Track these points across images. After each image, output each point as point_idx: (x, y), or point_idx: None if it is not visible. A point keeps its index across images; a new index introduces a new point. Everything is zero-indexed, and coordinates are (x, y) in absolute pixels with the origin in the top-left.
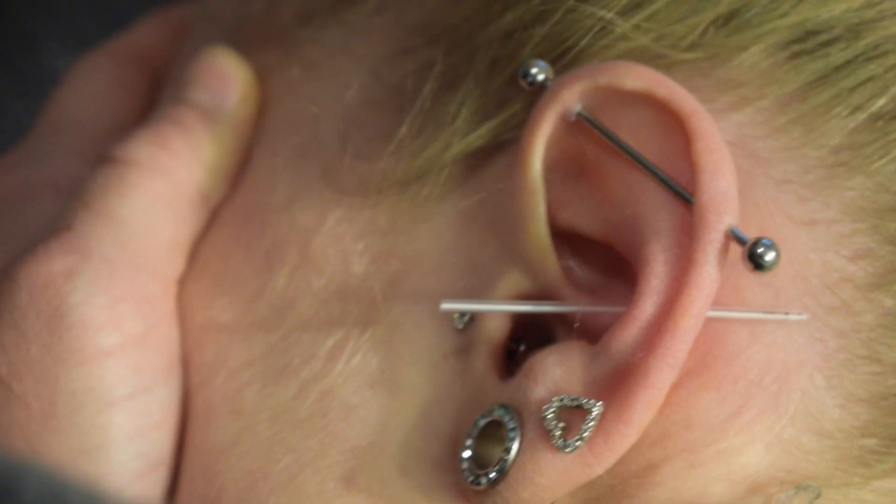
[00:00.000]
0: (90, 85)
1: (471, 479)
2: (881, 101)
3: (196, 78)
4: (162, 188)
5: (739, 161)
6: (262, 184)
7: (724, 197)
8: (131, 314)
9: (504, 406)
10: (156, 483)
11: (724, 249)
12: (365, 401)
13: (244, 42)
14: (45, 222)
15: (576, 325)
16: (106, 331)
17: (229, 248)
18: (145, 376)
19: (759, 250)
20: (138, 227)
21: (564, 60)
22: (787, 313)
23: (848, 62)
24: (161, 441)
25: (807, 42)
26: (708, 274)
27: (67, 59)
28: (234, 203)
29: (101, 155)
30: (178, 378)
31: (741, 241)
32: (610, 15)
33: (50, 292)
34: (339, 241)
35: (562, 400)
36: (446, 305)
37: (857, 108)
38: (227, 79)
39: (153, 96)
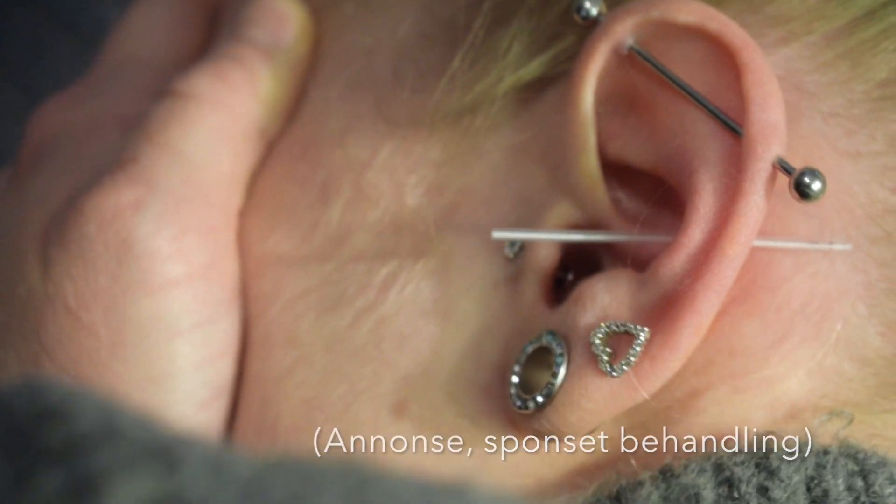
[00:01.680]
0: (151, 21)
1: (518, 403)
2: None
3: (254, 17)
4: (222, 121)
5: (787, 94)
6: (316, 117)
7: (773, 128)
8: (197, 246)
9: (552, 332)
10: (219, 411)
11: (772, 179)
12: (417, 330)
13: None
14: (110, 155)
15: (624, 255)
16: (173, 261)
17: (285, 182)
18: (210, 307)
19: (806, 179)
20: (200, 160)
21: None
22: (831, 243)
23: None
24: (224, 370)
25: None
26: (755, 203)
27: (122, 11)
28: (290, 137)
29: (162, 89)
30: (239, 309)
31: (788, 171)
32: None
33: (118, 224)
34: (392, 173)
35: (609, 326)
36: (498, 234)
37: None
38: (283, 18)
39: (212, 32)
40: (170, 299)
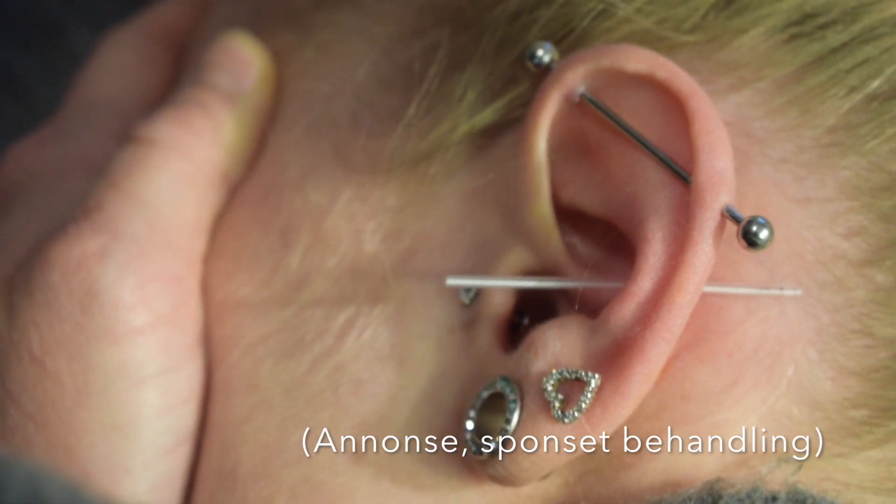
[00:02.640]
0: (118, 61)
1: (473, 449)
2: (876, 83)
3: (216, 61)
4: (185, 168)
5: (737, 141)
6: (276, 162)
7: (721, 176)
8: (160, 294)
9: (505, 378)
10: (182, 457)
11: (720, 228)
12: (374, 376)
13: (262, 23)
14: (76, 200)
15: (577, 301)
16: (136, 310)
17: (246, 227)
18: (173, 354)
19: (753, 228)
20: (164, 206)
21: (568, 42)
22: (781, 288)
23: (844, 44)
24: (188, 417)
25: (804, 24)
26: (704, 252)
27: (94, 45)
28: (252, 182)
29: (126, 134)
30: (202, 355)
31: (736, 219)
32: None
33: (82, 273)
34: (351, 219)
35: (561, 372)
36: (452, 281)
37: (853, 90)
38: (245, 63)
39: (177, 71)
40: (134, 347)
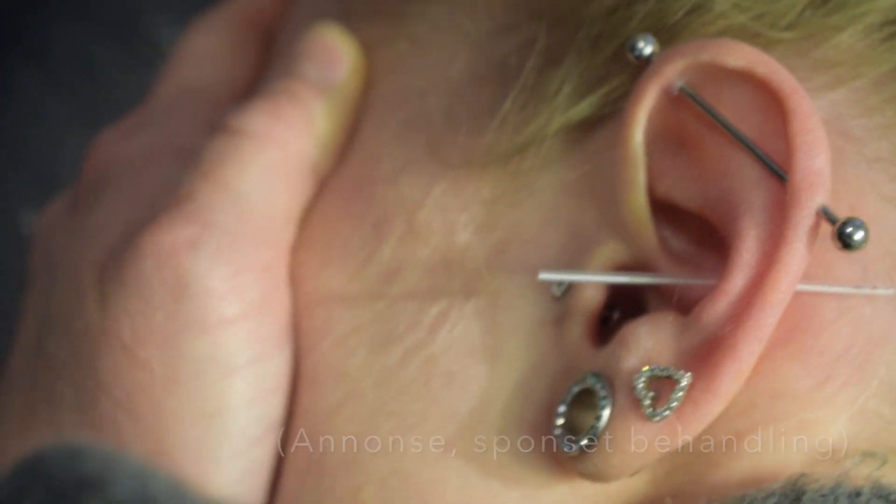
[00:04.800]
0: (207, 49)
1: (563, 444)
2: None
3: (307, 53)
4: (276, 158)
5: (833, 139)
6: (369, 156)
7: (818, 176)
8: (251, 283)
9: (596, 374)
10: (270, 447)
11: (815, 227)
12: (465, 368)
13: (352, 14)
14: (167, 189)
15: (669, 297)
16: (228, 300)
17: (338, 219)
18: (263, 344)
19: (849, 230)
20: (255, 197)
21: (663, 37)
22: (874, 287)
23: None
24: (277, 406)
25: None
26: (797, 251)
27: (172, 30)
28: (342, 175)
29: (217, 124)
30: (290, 345)
31: (832, 220)
32: None
33: (174, 262)
34: (444, 212)
35: (652, 370)
36: (544, 276)
37: None
38: (336, 55)
39: (267, 57)
40: (224, 337)
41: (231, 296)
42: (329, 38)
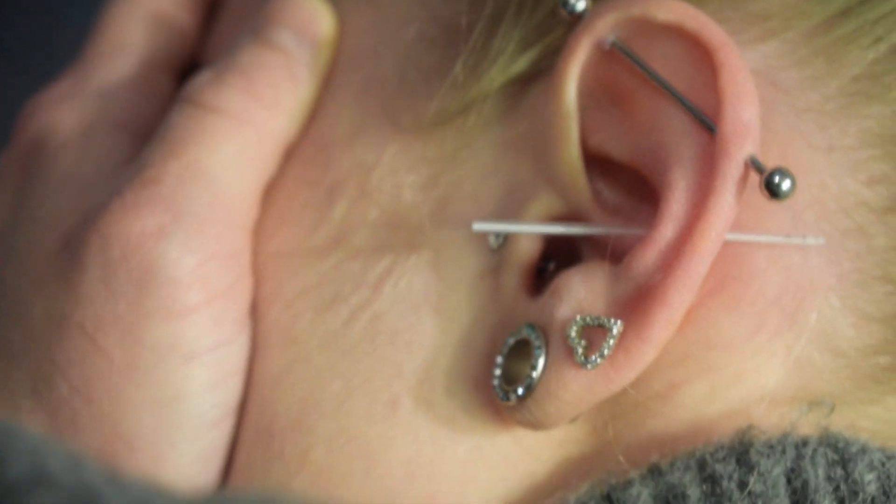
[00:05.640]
0: (144, 4)
1: (501, 395)
2: None
3: (281, 18)
4: (250, 140)
5: (763, 90)
6: (327, 121)
7: (746, 128)
8: (218, 271)
9: (531, 325)
10: (229, 429)
11: (744, 178)
12: (410, 325)
13: None
14: (113, 163)
15: (602, 247)
16: (193, 289)
17: (296, 186)
18: (226, 327)
19: (776, 179)
20: (226, 181)
21: None
22: (804, 237)
23: None
24: (236, 389)
25: None
26: (726, 201)
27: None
28: (304, 141)
29: (188, 96)
30: (251, 325)
31: (760, 170)
32: None
33: (142, 251)
34: (394, 173)
35: (584, 319)
36: (478, 226)
37: (878, 40)
38: (313, 22)
39: (211, 16)
40: (187, 324)
41: (196, 284)
42: (304, 2)
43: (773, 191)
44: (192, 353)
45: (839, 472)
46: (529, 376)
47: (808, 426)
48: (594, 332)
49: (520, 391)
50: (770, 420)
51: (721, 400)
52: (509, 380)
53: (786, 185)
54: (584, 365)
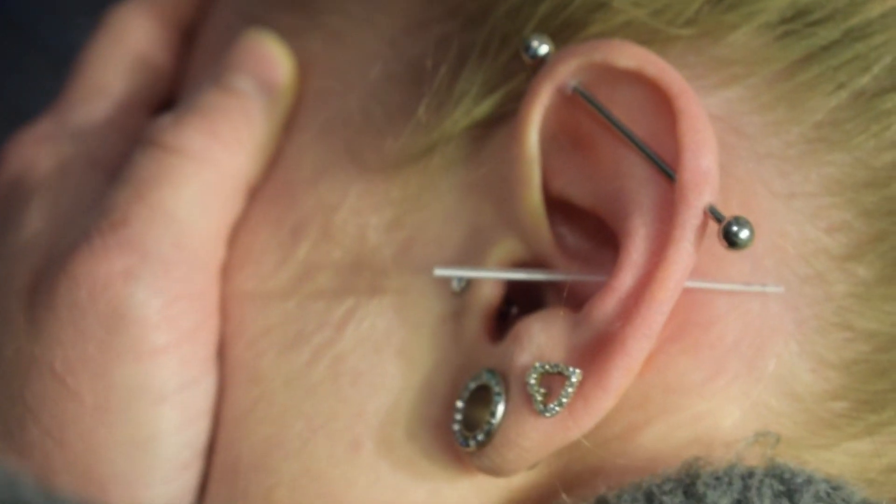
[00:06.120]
0: (124, 44)
1: (461, 440)
2: (864, 79)
3: (241, 64)
4: (212, 179)
5: (724, 136)
6: (291, 160)
7: (705, 176)
8: (184, 311)
9: (491, 370)
10: (200, 471)
11: (703, 226)
12: (373, 366)
13: (267, 4)
14: (88, 202)
15: (564, 293)
16: (161, 329)
17: (259, 224)
18: (194, 368)
19: (734, 228)
20: (190, 221)
21: (564, 36)
22: (763, 285)
23: (835, 42)
24: (205, 429)
25: (797, 21)
26: (685, 249)
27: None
28: (267, 181)
29: (150, 138)
30: (218, 365)
31: (718, 219)
32: None
33: (109, 293)
34: (358, 214)
35: (543, 366)
36: (440, 272)
37: (841, 86)
38: (271, 66)
39: (188, 56)
40: (157, 366)
41: (164, 325)
42: (263, 46)
43: (731, 240)
44: (163, 394)
45: (785, 503)
46: (489, 422)
47: (754, 458)
48: (553, 379)
49: (479, 437)
50: (721, 455)
51: (678, 439)
52: (469, 425)
53: (744, 234)
54: (542, 413)
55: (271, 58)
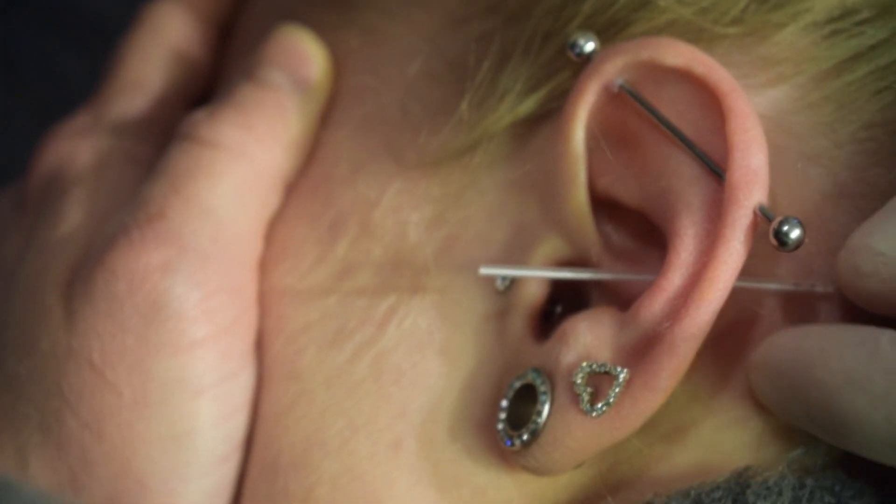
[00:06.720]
0: (159, 40)
1: (506, 440)
2: None
3: (274, 58)
4: (248, 173)
5: (773, 136)
6: (328, 157)
7: (755, 175)
8: (223, 305)
9: (537, 369)
10: (237, 465)
11: (752, 226)
12: (415, 364)
13: (303, 0)
14: (125, 196)
15: (609, 292)
16: (199, 323)
17: (296, 219)
18: (232, 362)
19: (785, 228)
20: (227, 215)
21: (610, 34)
22: (813, 285)
23: (883, 41)
24: (243, 423)
25: (844, 20)
26: (735, 249)
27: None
28: (304, 177)
29: (185, 132)
30: (256, 359)
31: (768, 218)
32: None
33: (148, 286)
34: (397, 211)
35: (591, 366)
36: (485, 270)
37: (889, 86)
38: (305, 60)
39: (224, 52)
40: (195, 359)
41: (202, 318)
42: (297, 41)
43: (781, 240)
44: (201, 387)
45: None
46: (534, 422)
47: (804, 468)
48: (600, 379)
49: (525, 437)
50: (771, 462)
51: (727, 444)
52: (514, 424)
53: (795, 234)
54: (589, 412)
55: (305, 53)
